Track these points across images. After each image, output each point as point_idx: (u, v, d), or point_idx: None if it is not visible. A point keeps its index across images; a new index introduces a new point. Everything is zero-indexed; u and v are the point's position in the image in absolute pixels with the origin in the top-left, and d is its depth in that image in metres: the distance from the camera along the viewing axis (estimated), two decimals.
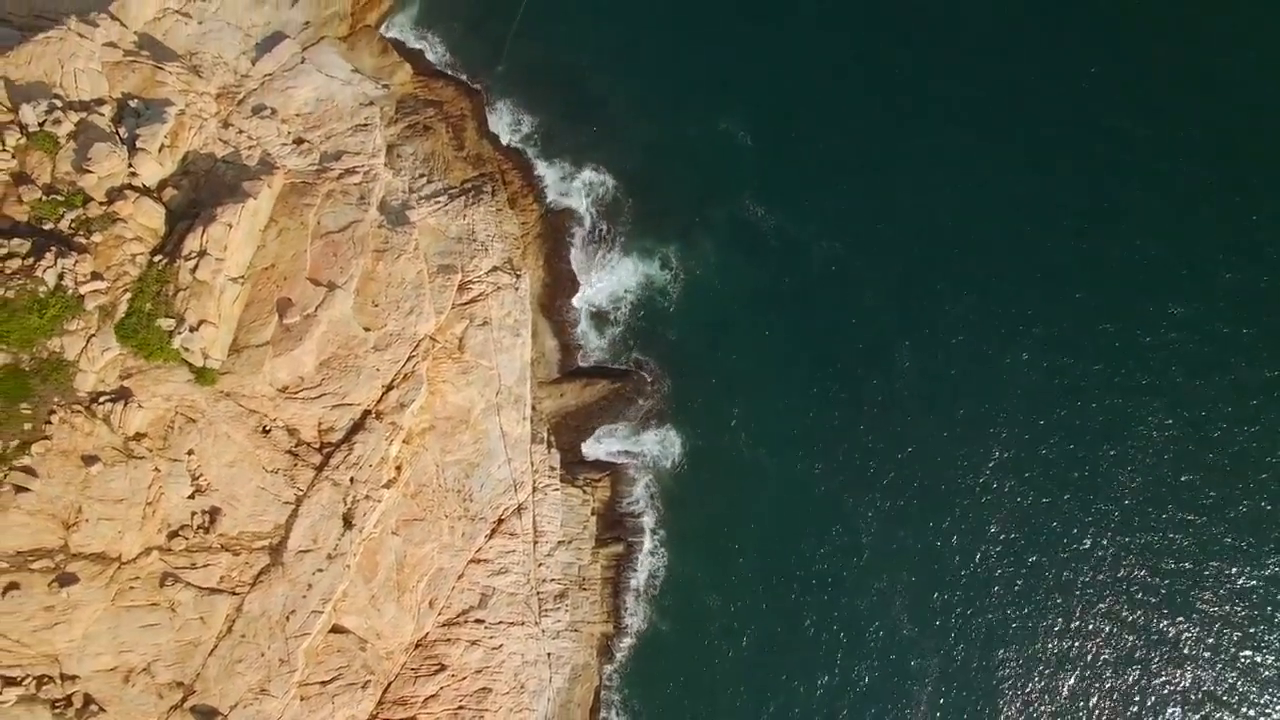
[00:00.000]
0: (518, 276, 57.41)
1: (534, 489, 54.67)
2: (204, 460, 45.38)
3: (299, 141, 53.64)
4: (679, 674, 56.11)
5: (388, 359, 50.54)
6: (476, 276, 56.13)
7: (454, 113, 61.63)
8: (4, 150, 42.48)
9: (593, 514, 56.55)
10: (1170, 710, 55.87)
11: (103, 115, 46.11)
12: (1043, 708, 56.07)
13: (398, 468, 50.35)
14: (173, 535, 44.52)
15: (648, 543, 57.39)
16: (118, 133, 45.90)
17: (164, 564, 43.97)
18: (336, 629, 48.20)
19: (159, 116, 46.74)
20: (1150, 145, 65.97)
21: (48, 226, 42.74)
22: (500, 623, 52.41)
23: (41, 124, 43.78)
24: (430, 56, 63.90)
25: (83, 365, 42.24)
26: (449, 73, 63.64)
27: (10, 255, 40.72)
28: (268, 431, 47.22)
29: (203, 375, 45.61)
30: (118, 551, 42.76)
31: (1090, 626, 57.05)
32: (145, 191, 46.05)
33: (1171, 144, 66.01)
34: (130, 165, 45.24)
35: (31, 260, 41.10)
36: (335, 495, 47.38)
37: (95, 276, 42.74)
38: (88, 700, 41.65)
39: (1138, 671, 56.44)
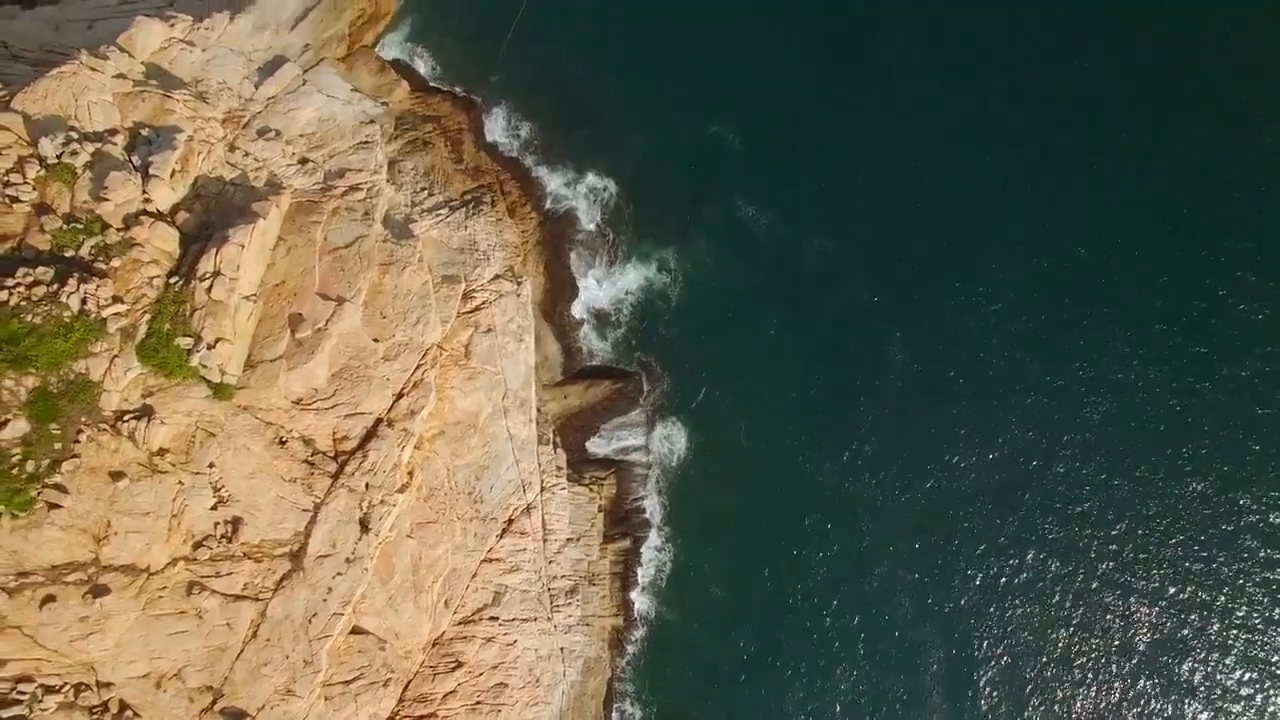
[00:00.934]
0: (519, 283, 58.44)
1: (542, 489, 55.69)
2: (225, 472, 46.33)
3: (303, 161, 54.60)
4: (689, 663, 57.14)
5: (397, 368, 51.54)
6: (479, 285, 57.17)
7: (451, 127, 62.62)
8: (25, 183, 43.52)
9: (600, 511, 57.48)
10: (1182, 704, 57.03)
11: (116, 145, 47.10)
12: (1042, 681, 57.06)
13: (410, 473, 51.31)
14: (198, 545, 45.41)
15: (654, 537, 58.37)
16: (131, 161, 46.92)
17: (190, 573, 44.92)
18: (357, 630, 49.00)
19: (169, 143, 47.73)
20: (1140, 135, 67.07)
21: (69, 254, 43.66)
22: (514, 619, 53.37)
23: (59, 156, 44.76)
24: (426, 72, 64.78)
25: (107, 385, 43.21)
26: (445, 87, 64.53)
27: (36, 283, 41.71)
28: (284, 442, 48.23)
29: (220, 391, 46.51)
30: (146, 563, 43.66)
31: (1088, 609, 58.10)
32: (160, 216, 47.05)
33: (1161, 135, 67.08)
34: (145, 192, 46.22)
35: (55, 287, 42.07)
36: (351, 501, 48.40)
37: (116, 300, 43.77)
38: (123, 706, 42.62)
39: (1139, 652, 57.74)
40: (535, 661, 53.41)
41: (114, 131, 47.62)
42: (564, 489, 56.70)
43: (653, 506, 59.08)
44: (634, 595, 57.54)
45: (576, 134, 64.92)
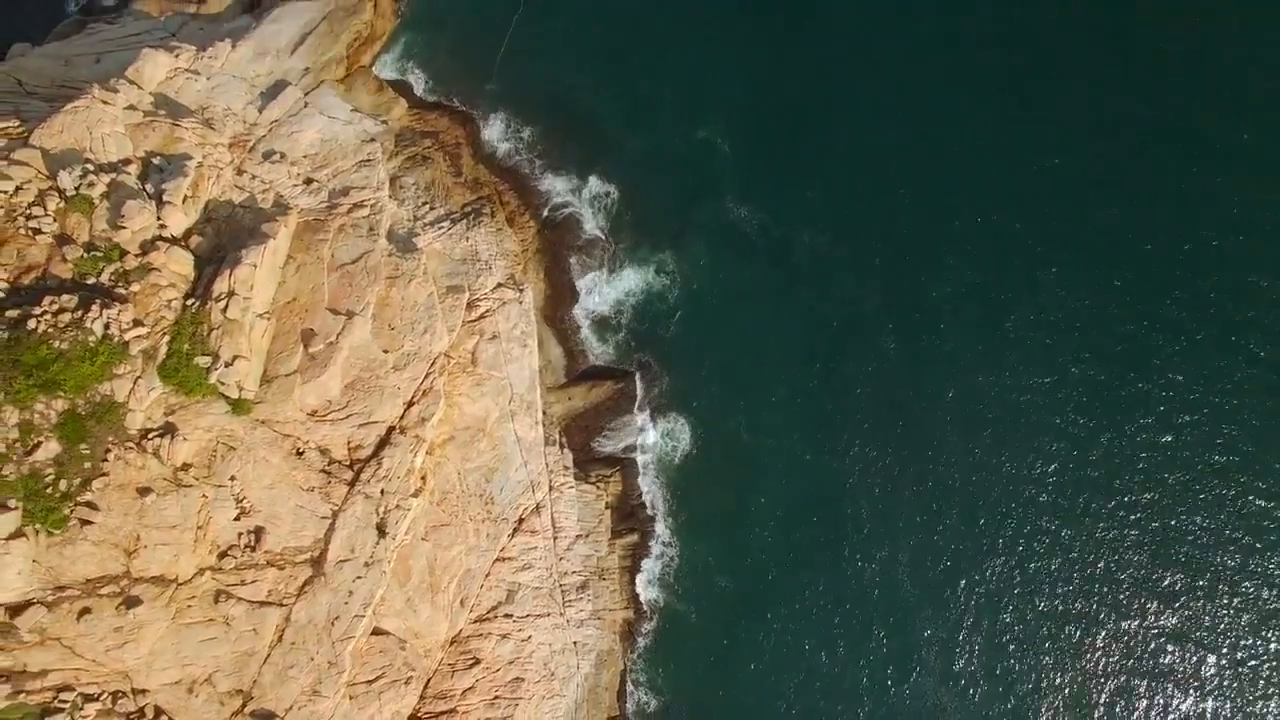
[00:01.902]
0: (521, 291, 59.71)
1: (550, 488, 56.90)
2: (246, 484, 47.56)
3: (308, 181, 55.96)
4: (699, 652, 58.13)
5: (407, 377, 52.80)
6: (483, 294, 58.50)
7: (449, 141, 63.96)
8: (47, 215, 44.94)
9: (607, 508, 58.61)
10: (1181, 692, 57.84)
11: (130, 174, 48.47)
12: (1044, 663, 58.05)
13: (423, 478, 52.51)
14: (223, 555, 46.61)
15: (660, 532, 59.49)
16: (145, 189, 48.27)
17: (216, 582, 46.12)
18: (377, 631, 50.14)
19: (180, 170, 49.13)
20: (1126, 122, 68.34)
21: (91, 281, 45.03)
22: (528, 615, 54.56)
23: (78, 188, 46.13)
24: (423, 89, 66.21)
25: (132, 405, 44.47)
26: (442, 102, 65.91)
27: (61, 310, 43.01)
28: (302, 453, 49.50)
29: (239, 406, 47.77)
30: (175, 573, 44.83)
31: (1086, 588, 59.15)
32: (174, 241, 48.38)
33: (1146, 121, 68.35)
34: (159, 218, 47.60)
35: (80, 313, 43.37)
36: (368, 507, 49.64)
37: (137, 323, 45.03)
38: (158, 712, 43.82)
39: (1138, 632, 58.72)
40: (550, 656, 54.64)
41: (127, 161, 49.05)
42: (571, 488, 57.95)
43: (658, 502, 60.31)
44: (643, 588, 58.71)
45: (570, 142, 66.24)
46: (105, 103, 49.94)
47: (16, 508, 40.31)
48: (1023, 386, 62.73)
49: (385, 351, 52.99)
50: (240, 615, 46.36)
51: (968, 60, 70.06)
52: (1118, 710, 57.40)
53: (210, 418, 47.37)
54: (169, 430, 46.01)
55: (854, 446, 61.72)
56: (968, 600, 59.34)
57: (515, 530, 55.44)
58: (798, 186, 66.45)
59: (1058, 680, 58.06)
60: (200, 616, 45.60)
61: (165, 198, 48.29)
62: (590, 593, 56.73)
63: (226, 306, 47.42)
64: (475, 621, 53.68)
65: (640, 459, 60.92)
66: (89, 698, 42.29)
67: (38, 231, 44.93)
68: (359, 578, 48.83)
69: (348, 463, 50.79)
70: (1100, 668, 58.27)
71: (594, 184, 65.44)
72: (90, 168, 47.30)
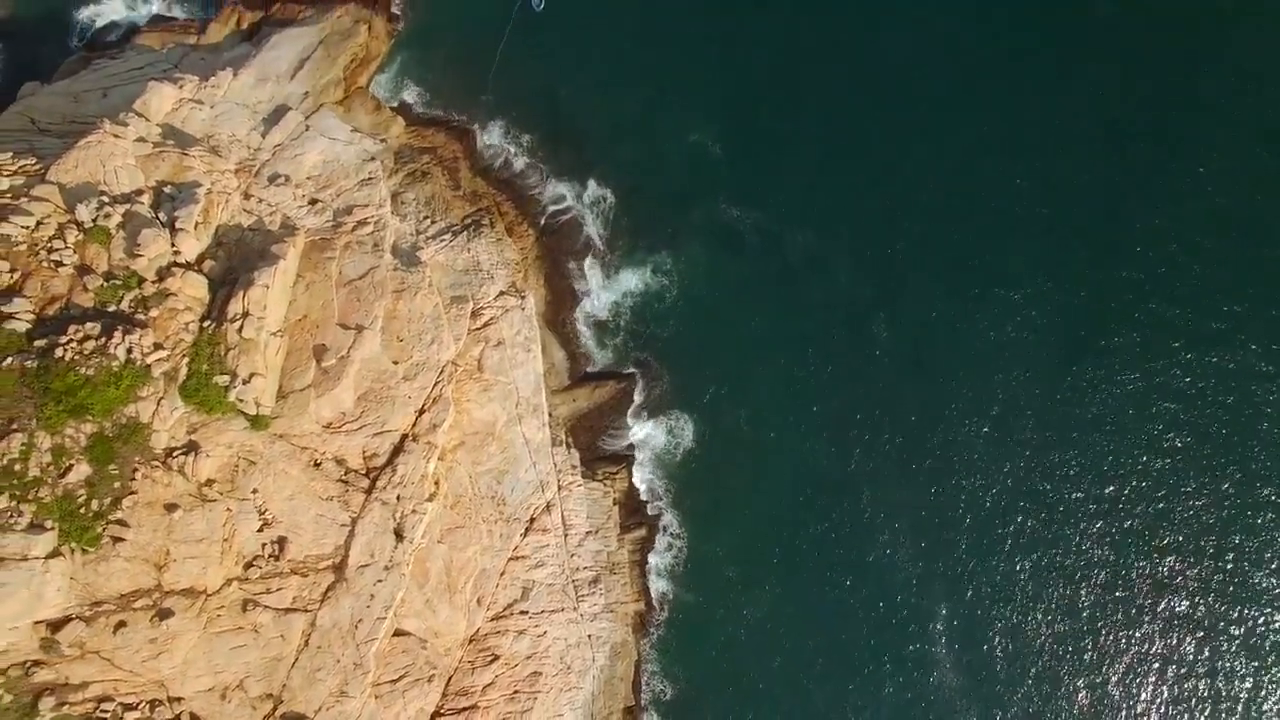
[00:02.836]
0: (522, 297, 61.02)
1: (559, 487, 58.33)
2: (267, 497, 48.86)
3: (313, 202, 57.19)
4: (710, 641, 59.91)
5: (417, 386, 54.05)
6: (486, 302, 59.81)
7: (447, 155, 65.20)
8: (67, 247, 46.52)
9: (615, 504, 60.11)
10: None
11: (143, 204, 49.84)
12: (1049, 639, 60.15)
13: (437, 482, 53.85)
14: (248, 566, 48.01)
15: (668, 525, 61.09)
16: (158, 217, 49.68)
17: (244, 592, 47.46)
18: (399, 632, 51.61)
19: (191, 198, 50.45)
20: (1102, 112, 70.08)
21: (111, 309, 46.52)
22: (543, 611, 56.03)
23: (95, 220, 47.63)
24: (420, 105, 67.31)
25: (156, 426, 45.96)
26: (438, 118, 67.04)
27: (86, 338, 44.51)
28: (319, 464, 50.83)
29: (257, 422, 49.19)
30: (204, 585, 46.22)
31: (1086, 565, 61.23)
32: (189, 266, 49.75)
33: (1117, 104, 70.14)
34: (173, 245, 48.98)
35: (103, 340, 44.84)
36: (385, 513, 50.99)
37: (157, 347, 46.45)
38: (193, 718, 45.37)
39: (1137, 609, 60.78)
40: (565, 650, 56.16)
41: (140, 192, 50.47)
42: (580, 486, 59.43)
43: (664, 496, 61.88)
44: (653, 580, 60.30)
45: (565, 150, 67.59)
46: (116, 136, 51.25)
47: (53, 528, 41.91)
48: (1015, 367, 64.44)
49: (395, 363, 54.23)
50: (268, 622, 47.72)
51: (954, 55, 71.66)
52: (1130, 680, 59.70)
53: (231, 434, 48.70)
54: (192, 448, 47.38)
55: (853, 434, 63.34)
56: (973, 575, 61.08)
57: (527, 529, 56.81)
58: (789, 185, 67.92)
59: (1070, 652, 60.05)
60: (230, 625, 46.98)
61: (178, 225, 49.63)
62: (602, 587, 58.21)
63: (241, 326, 48.70)
64: (492, 619, 55.08)
65: (645, 455, 62.43)
66: (128, 707, 43.87)
67: (59, 264, 46.48)
68: (379, 581, 50.21)
69: (364, 471, 52.11)
70: (1107, 641, 60.22)
71: (590, 190, 66.71)
72: (105, 199, 48.69)
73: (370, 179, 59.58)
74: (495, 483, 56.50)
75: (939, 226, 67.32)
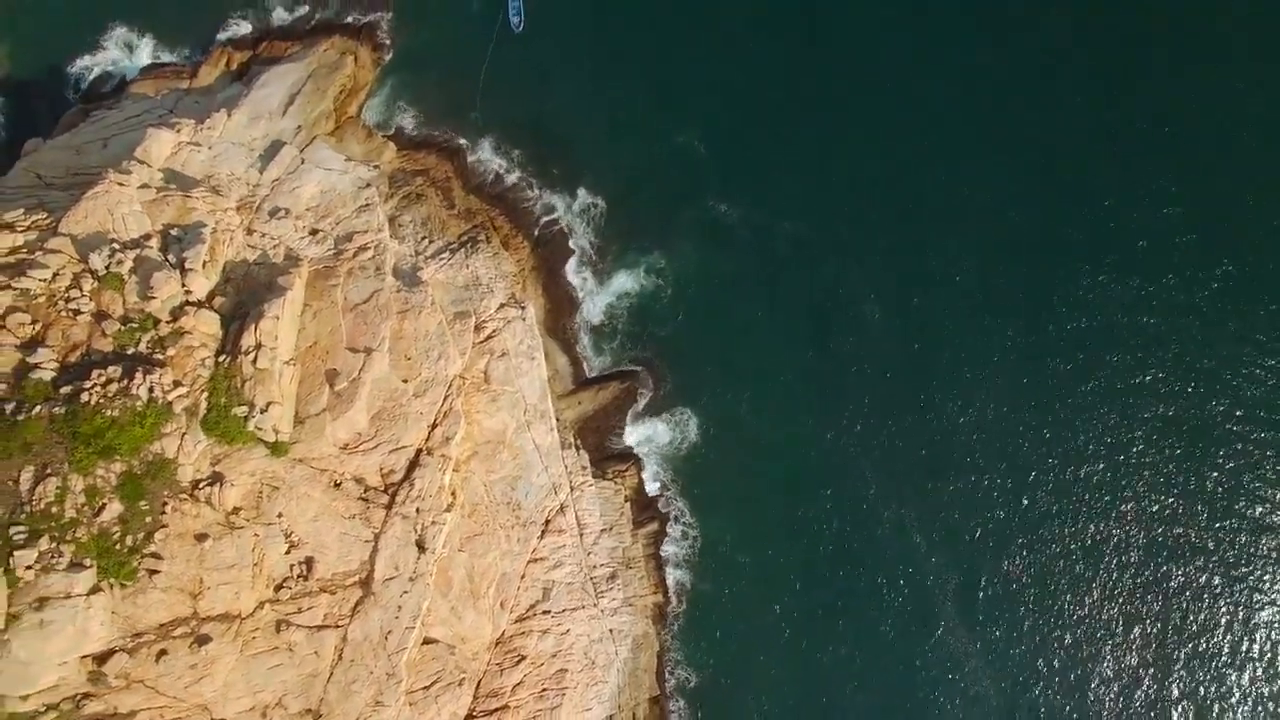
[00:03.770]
0: (523, 308, 62.41)
1: (571, 488, 59.88)
2: (292, 520, 50.33)
3: (314, 232, 58.49)
4: (729, 627, 61.51)
5: (428, 402, 55.44)
6: (488, 315, 61.22)
7: (439, 176, 66.53)
8: (83, 296, 48.07)
9: (626, 501, 61.72)
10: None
11: (152, 247, 51.25)
12: (1056, 610, 61.82)
13: (453, 493, 55.34)
14: (279, 587, 49.46)
15: (679, 517, 62.52)
16: (167, 259, 51.09)
17: (276, 613, 48.95)
18: (428, 640, 53.29)
19: (197, 238, 51.89)
20: (1085, 99, 71.54)
21: (130, 351, 47.98)
22: (564, 610, 57.67)
23: (108, 267, 49.14)
24: (411, 128, 68.42)
25: (181, 460, 47.44)
26: (429, 139, 68.21)
27: (109, 381, 46.01)
28: (339, 484, 52.28)
29: (277, 448, 50.70)
30: (238, 609, 47.70)
31: (1086, 537, 62.83)
32: (200, 304, 51.18)
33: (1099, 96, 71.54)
34: (184, 285, 50.51)
35: (125, 382, 46.34)
36: (406, 527, 52.43)
37: (176, 384, 47.94)
38: None
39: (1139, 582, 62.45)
40: (589, 645, 57.83)
41: (148, 236, 51.90)
42: (591, 486, 61.05)
43: (673, 489, 63.33)
44: (669, 572, 61.77)
45: (554, 160, 68.99)
46: (121, 185, 52.59)
47: (91, 565, 43.57)
48: (1001, 348, 66.08)
49: (405, 381, 55.66)
50: (301, 640, 49.27)
51: (935, 47, 73.04)
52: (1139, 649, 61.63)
53: (253, 462, 50.20)
54: (217, 478, 48.94)
55: (851, 417, 64.87)
56: (977, 549, 62.61)
57: (543, 532, 58.38)
58: (774, 179, 69.32)
59: (1071, 617, 61.64)
60: (265, 646, 48.50)
61: (187, 265, 51.05)
62: (620, 582, 59.84)
63: (255, 358, 50.12)
64: (516, 621, 56.71)
65: (652, 451, 63.85)
66: None
67: (78, 312, 48.03)
68: (405, 592, 51.67)
69: (382, 488, 53.59)
70: (1113, 613, 61.93)
71: (580, 197, 68.08)
72: (116, 247, 50.12)
73: (367, 205, 60.69)
74: (509, 489, 57.90)
75: (930, 214, 68.91)
